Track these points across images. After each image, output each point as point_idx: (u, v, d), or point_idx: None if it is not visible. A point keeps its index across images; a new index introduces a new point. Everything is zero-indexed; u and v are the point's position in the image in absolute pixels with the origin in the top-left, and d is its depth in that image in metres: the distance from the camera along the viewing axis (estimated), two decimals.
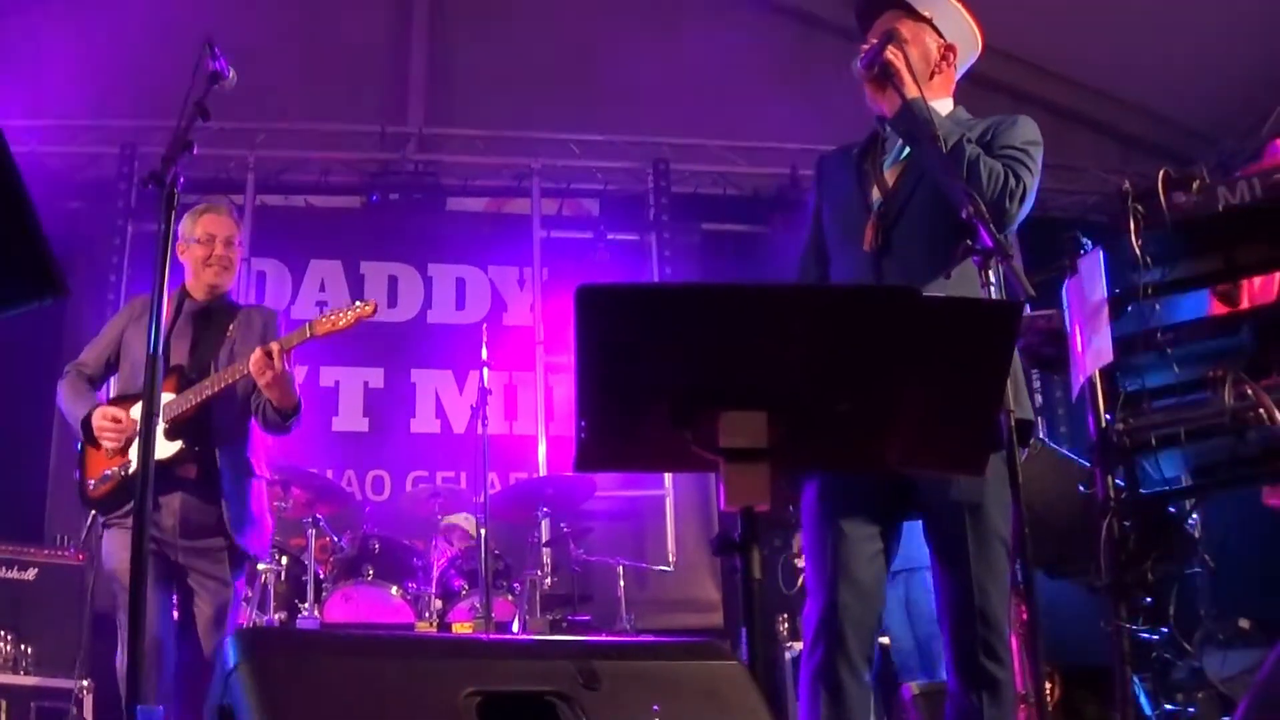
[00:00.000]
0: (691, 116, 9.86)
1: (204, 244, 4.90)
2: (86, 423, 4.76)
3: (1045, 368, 4.89)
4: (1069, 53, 10.00)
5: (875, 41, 3.58)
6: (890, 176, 3.67)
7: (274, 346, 4.55)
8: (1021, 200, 3.45)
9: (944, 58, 3.72)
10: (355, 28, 10.22)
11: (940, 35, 3.71)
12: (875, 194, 3.65)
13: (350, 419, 9.26)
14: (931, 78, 3.68)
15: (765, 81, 10.09)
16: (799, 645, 6.79)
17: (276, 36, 9.63)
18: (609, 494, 8.42)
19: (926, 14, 3.69)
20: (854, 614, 3.41)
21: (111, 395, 4.94)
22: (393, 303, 9.54)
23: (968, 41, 3.79)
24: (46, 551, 6.48)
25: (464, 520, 7.26)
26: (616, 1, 10.35)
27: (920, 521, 3.56)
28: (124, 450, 4.71)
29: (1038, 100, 10.25)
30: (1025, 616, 3.90)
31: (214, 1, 9.41)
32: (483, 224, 10.13)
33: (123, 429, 4.69)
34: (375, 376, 9.37)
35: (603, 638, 5.84)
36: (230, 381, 4.64)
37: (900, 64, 3.49)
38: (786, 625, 7.04)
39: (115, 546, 4.69)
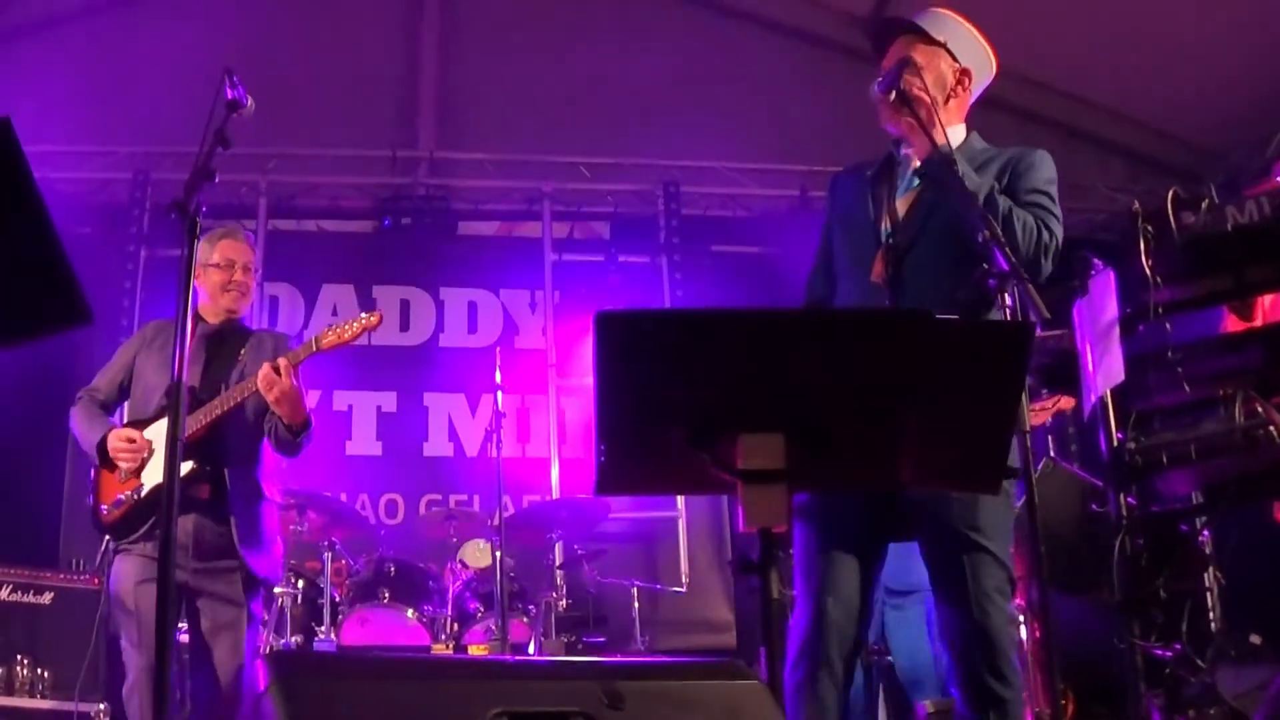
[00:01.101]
0: (701, 139, 9.90)
1: (223, 269, 4.93)
2: (102, 446, 4.77)
3: (1057, 387, 4.93)
4: (1075, 71, 10.03)
5: (892, 66, 3.62)
6: (902, 206, 3.69)
7: (281, 361, 4.56)
8: (1055, 254, 3.50)
9: (959, 82, 3.73)
10: (366, 53, 10.28)
11: (955, 60, 3.72)
12: (886, 224, 3.67)
13: (363, 443, 9.29)
14: (946, 102, 3.69)
15: (774, 103, 10.16)
16: None
17: (288, 62, 9.69)
18: (622, 515, 8.44)
19: (941, 39, 3.71)
20: (839, 629, 3.45)
21: (125, 421, 4.96)
22: (405, 326, 9.58)
23: (982, 66, 3.80)
24: (62, 576, 6.49)
25: (477, 549, 7.27)
26: (625, 25, 10.40)
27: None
28: (137, 473, 4.74)
29: (1044, 119, 10.30)
30: (1039, 635, 3.94)
31: (226, 28, 9.49)
32: (494, 247, 10.17)
33: (138, 450, 4.72)
34: (388, 400, 9.40)
35: (624, 658, 5.87)
36: (240, 399, 4.64)
37: (926, 101, 3.54)
38: None
39: (124, 571, 4.69)
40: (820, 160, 9.57)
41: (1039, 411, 5.97)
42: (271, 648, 6.08)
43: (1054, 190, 3.63)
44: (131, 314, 8.79)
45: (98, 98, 8.88)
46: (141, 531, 4.66)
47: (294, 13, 10.01)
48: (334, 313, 9.41)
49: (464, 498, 8.89)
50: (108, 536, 4.85)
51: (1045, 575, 3.29)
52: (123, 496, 4.74)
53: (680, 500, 9.04)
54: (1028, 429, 3.03)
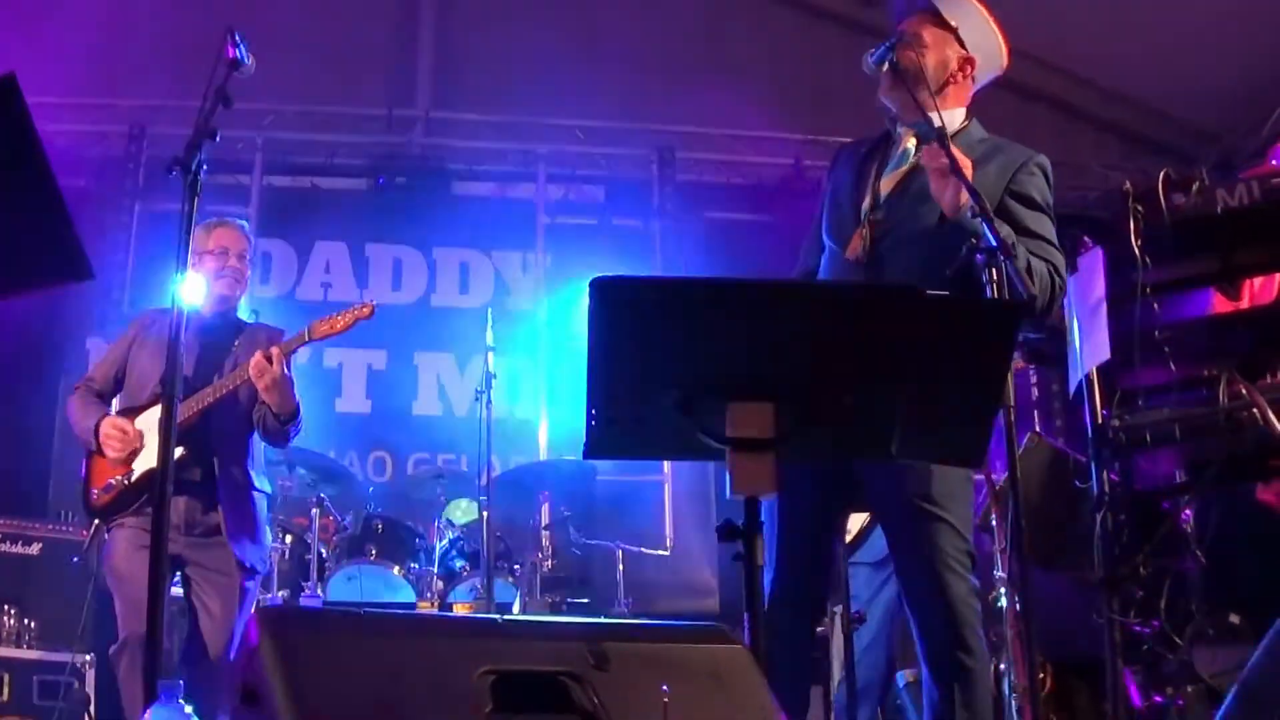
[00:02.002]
0: (697, 106, 9.90)
1: (217, 256, 4.99)
2: (96, 431, 4.83)
3: (1042, 363, 4.96)
4: (1072, 48, 10.06)
5: (889, 40, 3.64)
6: (887, 185, 3.69)
7: (274, 350, 4.63)
8: (1063, 292, 3.56)
9: (961, 69, 3.74)
10: (365, 11, 10.28)
11: (962, 46, 3.73)
12: (868, 201, 3.69)
13: (353, 400, 9.34)
14: (945, 87, 3.71)
15: (771, 72, 10.17)
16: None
17: (285, 18, 9.68)
18: (609, 478, 8.47)
19: (953, 23, 3.71)
20: (802, 585, 3.57)
21: (117, 409, 5.00)
22: (397, 285, 9.61)
23: (991, 57, 3.81)
24: (50, 526, 6.48)
25: (461, 507, 7.31)
26: None
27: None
28: (127, 461, 4.79)
29: (1041, 95, 10.34)
30: (1017, 608, 3.98)
31: None
32: (488, 209, 10.14)
33: (128, 440, 4.77)
34: (378, 359, 9.43)
35: (610, 620, 5.94)
36: (231, 387, 4.71)
37: (921, 76, 3.56)
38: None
39: (118, 542, 4.74)
40: (816, 130, 9.60)
41: None
42: (260, 603, 6.11)
43: (1051, 202, 3.66)
44: (125, 266, 8.81)
45: (95, 51, 8.85)
46: (132, 509, 4.72)
47: None
48: (326, 270, 9.44)
49: (452, 457, 8.90)
50: (96, 520, 4.87)
51: (1025, 549, 3.31)
52: (113, 481, 4.80)
53: (666, 464, 9.08)
54: (1011, 403, 3.06)
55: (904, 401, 2.76)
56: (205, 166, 3.42)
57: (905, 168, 3.69)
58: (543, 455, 8.85)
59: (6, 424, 8.10)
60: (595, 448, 2.79)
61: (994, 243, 3.06)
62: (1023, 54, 10.31)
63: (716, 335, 2.66)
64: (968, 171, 3.27)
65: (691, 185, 10.19)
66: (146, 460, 4.75)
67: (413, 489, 7.48)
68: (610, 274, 2.60)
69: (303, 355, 8.91)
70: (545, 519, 7.47)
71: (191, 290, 4.98)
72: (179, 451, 4.64)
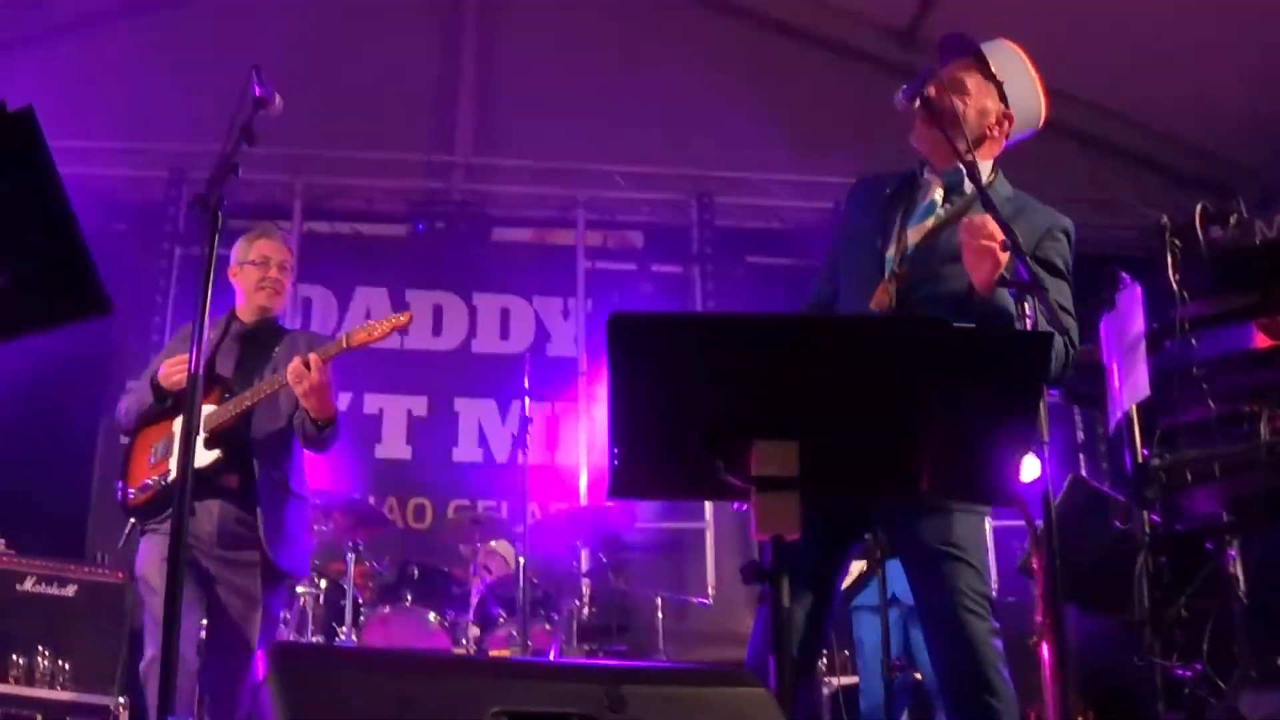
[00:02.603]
0: (736, 150, 9.89)
1: (258, 265, 5.01)
2: (155, 383, 4.82)
3: (1082, 403, 4.89)
4: (1112, 86, 9.97)
5: (919, 76, 3.59)
6: (915, 235, 3.62)
7: (312, 356, 4.61)
8: (1075, 363, 3.47)
9: (999, 123, 3.69)
10: (405, 58, 10.32)
11: (1004, 102, 3.68)
12: (893, 251, 3.61)
13: (393, 446, 9.31)
14: (981, 140, 3.65)
15: (809, 115, 10.14)
16: (838, 680, 6.81)
17: (327, 65, 9.75)
18: (649, 525, 8.42)
19: (1000, 78, 3.66)
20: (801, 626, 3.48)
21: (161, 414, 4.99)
22: (437, 331, 9.60)
23: (1028, 118, 3.75)
24: (86, 569, 6.52)
25: (504, 548, 7.28)
26: (663, 35, 10.43)
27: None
28: (166, 458, 4.79)
29: (1080, 134, 10.25)
30: (1054, 651, 3.89)
31: (264, 29, 9.55)
32: (528, 254, 10.17)
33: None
34: (419, 404, 9.42)
35: (632, 663, 5.88)
36: (270, 391, 4.70)
37: (955, 115, 3.50)
38: (825, 660, 6.99)
39: (148, 551, 4.76)
40: (855, 173, 9.51)
41: None
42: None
43: (1071, 266, 3.58)
44: (164, 311, 8.86)
45: (136, 95, 8.94)
46: (167, 513, 4.66)
47: (334, 16, 10.08)
48: (367, 315, 9.40)
49: (492, 504, 8.88)
50: (132, 520, 4.89)
51: (1059, 589, 3.24)
52: (150, 481, 4.81)
53: (708, 511, 9.02)
54: (1046, 440, 2.99)
55: (933, 437, 2.70)
56: (226, 203, 3.39)
57: (932, 222, 3.62)
58: (584, 501, 8.80)
59: (45, 466, 8.13)
60: (618, 487, 2.74)
61: (1026, 278, 3.00)
62: (1059, 92, 10.31)
63: (739, 371, 2.61)
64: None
65: (731, 229, 10.16)
66: None
67: (450, 535, 7.44)
68: (629, 310, 2.56)
69: (343, 402, 9.10)
70: (585, 565, 7.43)
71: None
72: (215, 454, 4.70)
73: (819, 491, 2.74)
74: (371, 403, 9.33)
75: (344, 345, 4.73)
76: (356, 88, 9.88)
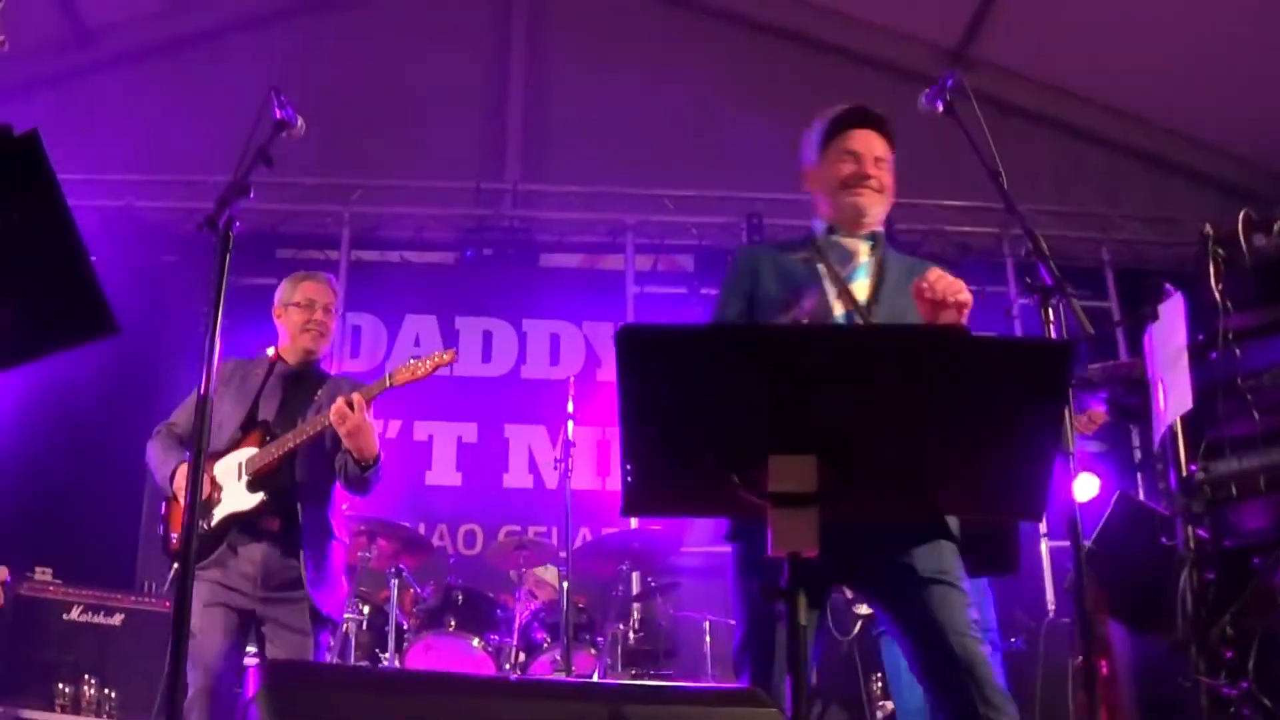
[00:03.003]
0: (785, 170, 9.82)
1: (303, 309, 5.05)
2: (174, 478, 4.85)
3: (1129, 418, 4.78)
4: (1167, 102, 9.85)
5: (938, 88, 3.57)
6: (862, 292, 3.65)
7: (355, 396, 4.64)
8: None
9: None
10: (452, 85, 10.38)
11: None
12: (840, 308, 3.62)
13: (444, 473, 9.29)
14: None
15: None
16: (890, 704, 6.70)
17: (373, 93, 9.83)
18: (696, 550, 8.33)
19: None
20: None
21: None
22: (487, 358, 9.60)
23: None
24: (134, 598, 6.56)
25: (550, 573, 7.25)
26: (711, 57, 10.43)
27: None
28: (208, 506, 4.79)
29: (1135, 151, 10.13)
30: (1089, 671, 3.79)
31: (311, 61, 9.64)
32: (577, 280, 10.15)
33: (202, 491, 4.77)
34: (469, 431, 9.40)
35: (640, 683, 5.85)
36: (312, 433, 4.73)
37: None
38: (880, 684, 6.89)
39: (192, 595, 4.74)
40: (906, 193, 9.42)
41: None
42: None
43: None
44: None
45: (182, 128, 9.00)
46: (210, 559, 4.73)
47: (382, 46, 10.17)
48: (416, 343, 9.44)
49: (543, 529, 8.84)
50: (175, 564, 4.92)
51: (1097, 608, 3.15)
52: None
53: None
54: (1071, 451, 2.90)
55: (954, 450, 2.62)
56: (238, 225, 3.38)
57: (871, 280, 3.68)
58: (633, 525, 8.73)
59: (94, 497, 8.18)
60: (632, 505, 2.68)
61: (1049, 281, 2.92)
62: (1115, 110, 10.22)
63: (753, 385, 2.54)
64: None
65: None
66: (226, 506, 4.79)
67: (496, 560, 7.41)
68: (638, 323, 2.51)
69: (393, 429, 9.11)
70: (635, 589, 7.38)
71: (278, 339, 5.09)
72: (259, 497, 4.71)
73: (837, 508, 2.67)
74: (421, 430, 9.32)
75: (387, 384, 4.80)
76: (404, 117, 9.97)
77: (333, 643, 6.09)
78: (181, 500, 4.81)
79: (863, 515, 3.18)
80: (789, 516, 2.58)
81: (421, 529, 8.59)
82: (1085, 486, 7.08)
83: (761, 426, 2.58)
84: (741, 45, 10.60)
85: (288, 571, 4.73)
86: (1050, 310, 2.92)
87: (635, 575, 7.34)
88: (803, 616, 2.59)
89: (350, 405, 4.61)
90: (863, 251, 3.74)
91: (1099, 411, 5.24)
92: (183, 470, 4.81)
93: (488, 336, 9.67)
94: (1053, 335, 2.92)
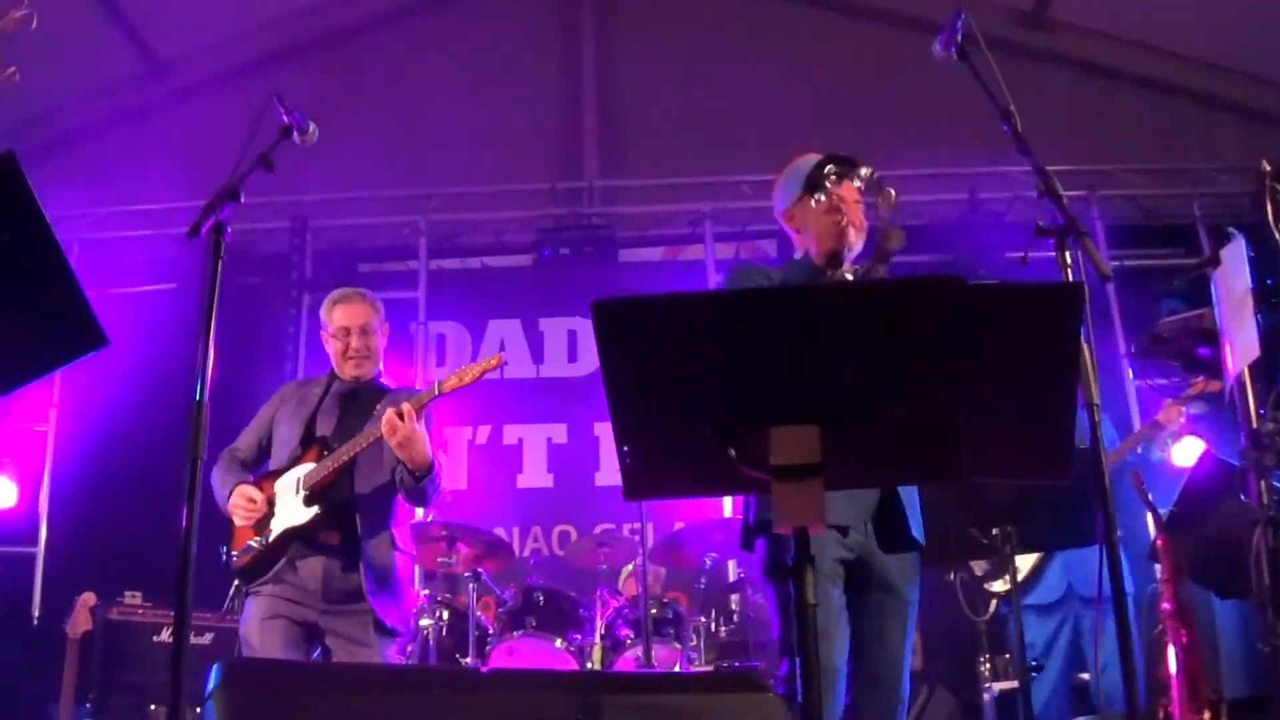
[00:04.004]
0: (865, 146, 9.60)
1: (339, 339, 5.05)
2: (230, 498, 4.88)
3: (1200, 370, 4.53)
4: (1251, 49, 9.51)
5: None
6: None
7: (404, 406, 4.60)
8: None
9: None
10: (523, 86, 10.35)
11: None
12: None
13: (535, 475, 9.26)
14: None
15: (937, 104, 9.83)
16: (1000, 685, 6.49)
17: (444, 103, 9.83)
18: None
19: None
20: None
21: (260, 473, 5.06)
22: (573, 357, 9.56)
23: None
24: (225, 616, 6.54)
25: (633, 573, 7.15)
26: (784, 38, 10.28)
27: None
28: (258, 527, 4.84)
29: (1222, 102, 9.84)
30: (1186, 639, 3.60)
31: (380, 74, 9.66)
32: (659, 273, 10.01)
33: (254, 508, 4.82)
34: (558, 432, 9.36)
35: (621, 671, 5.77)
36: (365, 445, 4.70)
37: None
38: (988, 665, 6.68)
39: (252, 610, 4.79)
40: (990, 162, 9.21)
41: (1181, 401, 5.58)
42: None
43: None
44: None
45: (256, 150, 9.05)
46: (269, 575, 4.75)
47: (451, 53, 10.16)
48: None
49: (637, 526, 8.73)
50: (237, 580, 4.96)
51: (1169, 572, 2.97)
52: (253, 544, 4.85)
53: None
54: (1096, 402, 2.71)
55: (965, 410, 2.45)
56: (229, 230, 3.32)
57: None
58: (726, 514, 8.59)
59: (179, 517, 8.22)
60: (634, 488, 2.57)
61: (1061, 221, 2.75)
62: (1197, 61, 9.87)
63: (742, 353, 2.40)
64: None
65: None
66: (283, 521, 4.79)
67: (577, 559, 7.34)
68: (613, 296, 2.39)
69: (483, 435, 9.08)
70: (728, 578, 7.28)
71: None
72: (313, 511, 4.72)
73: (844, 477, 2.53)
74: (511, 433, 9.32)
75: (436, 392, 4.75)
76: (476, 123, 9.95)
77: (410, 649, 6.08)
78: (238, 522, 4.83)
79: (871, 483, 3.04)
80: (793, 490, 2.44)
81: (516, 532, 8.61)
82: (1189, 450, 6.81)
83: (756, 396, 2.45)
84: (811, 24, 10.44)
85: (348, 584, 4.72)
86: (1066, 253, 2.74)
87: (731, 564, 7.23)
88: (811, 595, 2.47)
89: (400, 415, 4.56)
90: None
91: (1215, 383, 5.04)
92: (237, 491, 4.85)
93: (572, 336, 9.62)
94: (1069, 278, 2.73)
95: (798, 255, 4.13)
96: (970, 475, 2.57)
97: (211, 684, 1.94)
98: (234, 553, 4.89)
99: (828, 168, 4.10)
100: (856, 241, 4.04)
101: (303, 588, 4.70)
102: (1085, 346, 2.63)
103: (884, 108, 9.73)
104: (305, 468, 4.81)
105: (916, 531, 3.69)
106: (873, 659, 3.61)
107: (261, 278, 9.33)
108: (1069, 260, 2.75)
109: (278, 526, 4.78)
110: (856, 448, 2.46)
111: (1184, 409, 5.86)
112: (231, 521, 4.94)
